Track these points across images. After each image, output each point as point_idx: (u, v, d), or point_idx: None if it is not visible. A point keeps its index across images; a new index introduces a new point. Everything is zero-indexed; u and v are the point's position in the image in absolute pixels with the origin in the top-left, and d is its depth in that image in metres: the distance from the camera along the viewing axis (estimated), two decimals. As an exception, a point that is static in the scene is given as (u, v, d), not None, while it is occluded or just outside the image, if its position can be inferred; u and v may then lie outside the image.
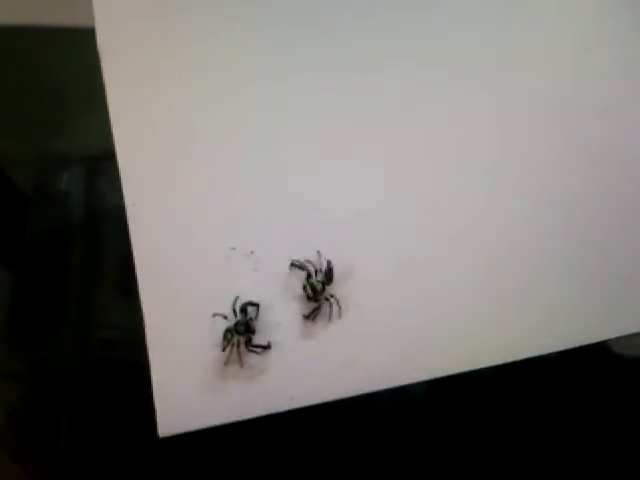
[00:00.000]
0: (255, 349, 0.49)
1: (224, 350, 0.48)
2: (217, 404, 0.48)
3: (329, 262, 0.52)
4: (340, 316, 0.51)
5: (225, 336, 0.48)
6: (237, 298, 0.49)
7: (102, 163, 0.72)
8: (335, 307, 0.51)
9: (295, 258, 0.52)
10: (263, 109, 0.58)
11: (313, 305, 0.51)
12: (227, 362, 0.48)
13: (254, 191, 0.55)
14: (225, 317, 0.49)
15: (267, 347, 0.49)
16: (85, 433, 0.63)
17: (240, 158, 0.55)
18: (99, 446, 0.63)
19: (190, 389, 0.48)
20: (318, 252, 0.52)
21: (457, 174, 0.58)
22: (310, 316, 0.50)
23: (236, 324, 0.49)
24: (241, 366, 0.48)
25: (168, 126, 0.55)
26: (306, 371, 0.49)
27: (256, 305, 0.50)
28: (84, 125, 0.70)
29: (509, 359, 0.51)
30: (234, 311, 0.49)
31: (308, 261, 0.52)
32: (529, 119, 0.60)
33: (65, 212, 0.71)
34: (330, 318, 0.51)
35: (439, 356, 0.51)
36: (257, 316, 0.50)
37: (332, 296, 0.51)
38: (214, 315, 0.48)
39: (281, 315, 0.50)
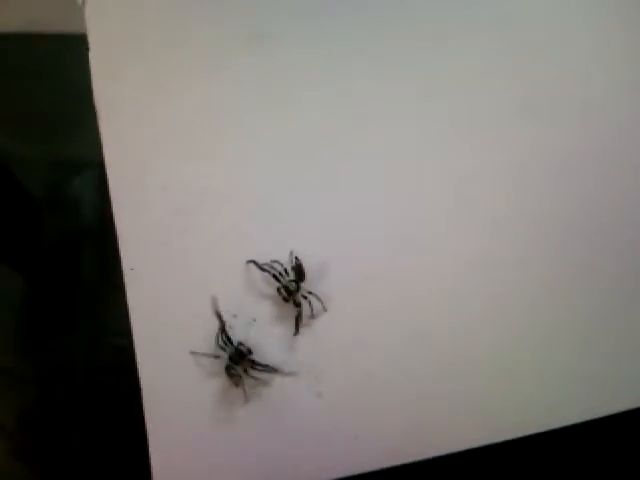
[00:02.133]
0: (262, 370, 0.48)
1: (238, 386, 0.47)
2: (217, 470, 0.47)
3: (297, 258, 0.50)
4: (326, 310, 0.50)
5: (230, 374, 0.47)
6: (219, 335, 0.48)
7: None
8: (316, 303, 0.49)
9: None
10: (263, 168, 0.56)
11: (291, 308, 0.49)
12: (247, 397, 0.47)
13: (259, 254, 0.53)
14: (217, 357, 0.48)
15: (276, 370, 0.48)
16: (91, 436, 0.64)
17: (241, 220, 0.54)
18: (104, 449, 0.63)
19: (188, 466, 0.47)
20: (291, 252, 0.50)
21: (469, 234, 0.55)
22: (298, 329, 0.49)
23: (230, 357, 0.48)
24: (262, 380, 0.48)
25: (166, 189, 0.53)
26: (314, 444, 0.48)
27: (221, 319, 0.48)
28: (96, 131, 0.70)
29: (526, 432, 0.49)
30: (221, 346, 0.48)
31: (276, 261, 0.50)
32: (541, 171, 0.57)
33: (77, 217, 0.71)
34: (313, 314, 0.50)
35: (451, 430, 0.49)
36: (224, 328, 0.49)
37: (310, 293, 0.50)
38: (195, 354, 0.47)
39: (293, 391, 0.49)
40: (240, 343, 0.48)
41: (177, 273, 0.52)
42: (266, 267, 0.49)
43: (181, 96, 0.57)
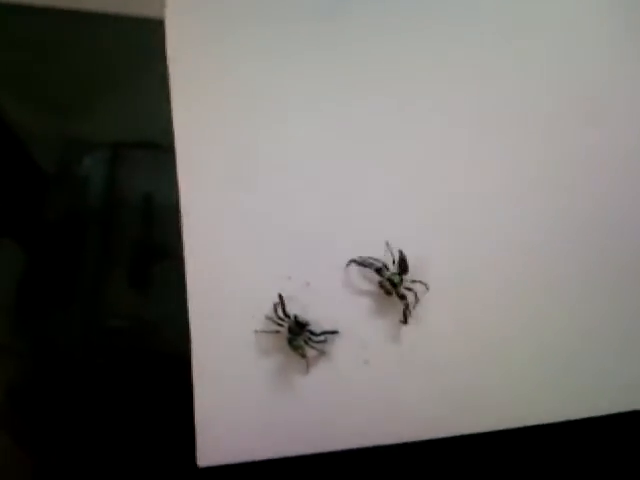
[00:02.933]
0: (320, 337, 0.48)
1: (304, 357, 0.48)
2: (262, 438, 0.47)
3: (400, 252, 0.50)
4: (428, 289, 0.49)
5: (293, 346, 0.48)
6: (275, 308, 0.49)
7: (125, 150, 0.72)
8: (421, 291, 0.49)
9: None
10: (321, 143, 0.56)
11: (394, 300, 0.48)
12: (309, 366, 0.48)
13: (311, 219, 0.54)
14: (277, 331, 0.49)
15: (335, 332, 0.49)
16: (85, 417, 0.63)
17: (298, 189, 0.55)
18: (99, 431, 0.63)
19: (234, 420, 0.48)
20: (387, 243, 0.50)
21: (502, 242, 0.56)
22: (406, 319, 0.49)
23: (289, 330, 0.48)
24: (324, 353, 0.48)
25: (229, 158, 0.54)
26: (351, 414, 0.49)
27: (281, 299, 0.49)
28: (111, 112, 0.70)
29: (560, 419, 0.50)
30: (278, 322, 0.49)
31: (373, 258, 0.50)
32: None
33: (85, 196, 0.71)
34: (417, 301, 0.49)
35: (489, 411, 0.50)
36: (284, 304, 0.49)
37: (414, 281, 0.49)
38: (258, 332, 0.47)
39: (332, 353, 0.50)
40: (296, 316, 0.49)
41: (236, 246, 0.52)
42: (367, 263, 0.50)
43: (251, 80, 0.57)
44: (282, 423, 0.48)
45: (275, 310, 0.49)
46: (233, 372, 0.49)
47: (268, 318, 0.49)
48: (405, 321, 0.49)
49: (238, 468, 0.47)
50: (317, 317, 0.50)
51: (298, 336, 0.48)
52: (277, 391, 0.49)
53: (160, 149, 0.70)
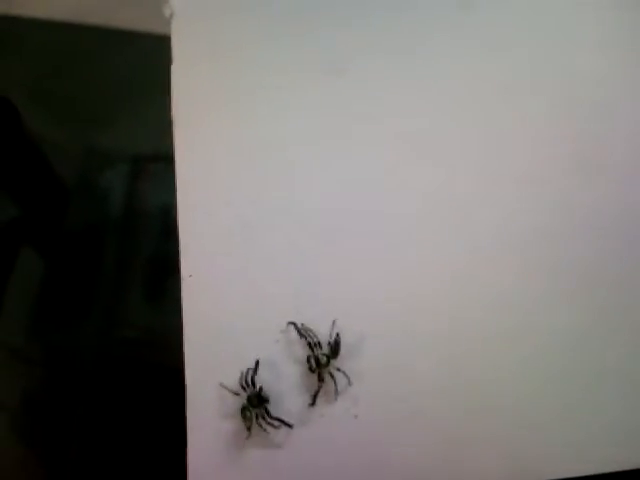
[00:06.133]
0: (273, 422, 0.48)
1: (249, 430, 0.48)
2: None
3: (337, 334, 0.50)
4: (351, 384, 0.49)
5: (244, 415, 0.47)
6: (247, 370, 0.49)
7: (145, 164, 0.74)
8: (342, 380, 0.49)
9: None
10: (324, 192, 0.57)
11: (315, 378, 0.49)
12: (249, 437, 0.48)
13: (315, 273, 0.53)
14: (237, 393, 0.49)
15: (289, 425, 0.48)
16: (97, 424, 0.65)
17: (298, 237, 0.54)
18: (105, 437, 0.64)
19: (224, 469, 0.48)
20: (334, 322, 0.51)
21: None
22: (314, 402, 0.49)
23: (248, 399, 0.48)
24: (268, 433, 0.48)
25: (230, 202, 0.55)
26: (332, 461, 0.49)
27: (256, 366, 0.49)
28: (131, 125, 0.72)
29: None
30: (243, 387, 0.49)
31: (311, 331, 0.50)
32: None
33: (104, 208, 0.72)
34: (335, 396, 0.50)
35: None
36: (256, 372, 0.49)
37: (338, 369, 0.50)
38: (221, 386, 0.48)
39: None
40: (261, 388, 0.48)
41: (234, 285, 0.52)
42: (303, 332, 0.49)
43: (253, 113, 0.57)
44: (275, 470, 0.48)
45: (246, 374, 0.49)
46: (226, 415, 0.49)
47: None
48: (313, 403, 0.49)
49: None
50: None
51: (253, 408, 0.48)
52: (269, 445, 0.49)
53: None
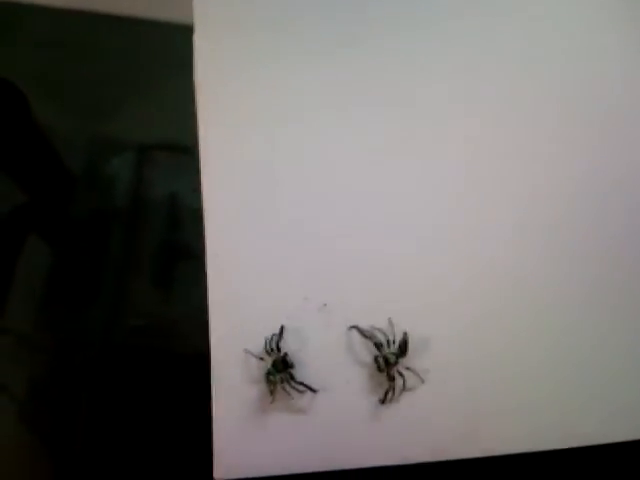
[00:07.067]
0: (298, 386, 0.48)
1: (272, 393, 0.48)
2: (277, 454, 0.48)
3: (405, 333, 0.49)
4: (423, 382, 0.49)
5: (268, 380, 0.47)
6: (272, 336, 0.49)
7: (151, 152, 0.74)
8: (412, 379, 0.49)
9: (366, 320, 0.50)
10: (346, 164, 0.57)
11: (383, 376, 0.48)
12: (273, 401, 0.48)
13: (332, 245, 0.54)
14: (261, 358, 0.49)
15: (313, 390, 0.48)
16: (103, 413, 0.64)
17: (322, 212, 0.55)
18: (111, 424, 0.64)
19: (250, 435, 0.48)
20: (389, 320, 0.50)
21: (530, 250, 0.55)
22: (385, 399, 0.49)
23: (274, 363, 0.48)
24: (292, 399, 0.48)
25: (254, 178, 0.55)
26: (367, 433, 0.49)
27: (281, 331, 0.49)
28: (139, 114, 0.72)
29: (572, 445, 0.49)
30: (268, 352, 0.49)
31: (378, 329, 0.49)
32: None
33: (111, 196, 0.72)
34: (402, 392, 0.49)
35: (501, 434, 0.49)
36: (281, 337, 0.49)
37: (408, 369, 0.48)
38: (246, 352, 0.48)
39: (350, 373, 0.50)
40: (286, 354, 0.49)
41: (258, 262, 0.52)
42: (368, 334, 0.49)
43: (276, 87, 0.58)
44: (297, 439, 0.48)
45: (271, 339, 0.49)
46: (251, 384, 0.49)
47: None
48: (383, 402, 0.49)
49: None
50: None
51: (278, 373, 0.48)
52: (293, 410, 0.49)
53: (185, 151, 0.71)
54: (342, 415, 0.48)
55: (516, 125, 0.60)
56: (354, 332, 0.50)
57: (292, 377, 0.48)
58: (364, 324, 0.50)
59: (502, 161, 0.58)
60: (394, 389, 0.48)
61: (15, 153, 0.71)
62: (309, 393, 0.47)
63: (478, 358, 0.50)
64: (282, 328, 0.49)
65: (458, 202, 0.56)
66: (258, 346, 0.49)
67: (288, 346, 0.49)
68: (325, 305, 0.50)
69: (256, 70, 0.59)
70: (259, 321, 0.49)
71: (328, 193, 0.55)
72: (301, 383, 0.47)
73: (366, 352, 0.49)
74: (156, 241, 0.72)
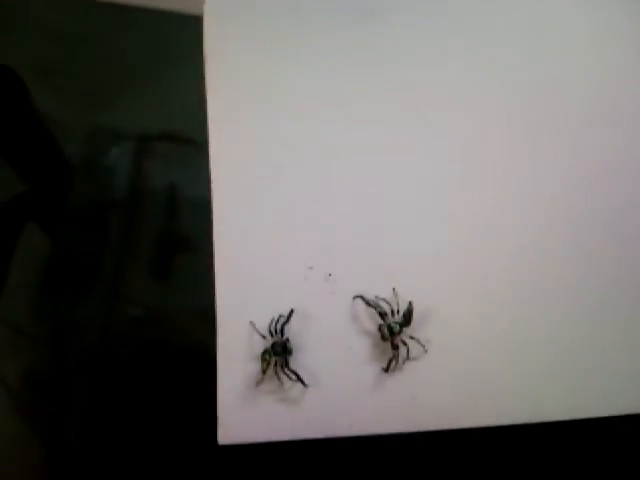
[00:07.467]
0: (290, 374, 0.48)
1: (264, 372, 0.48)
2: (280, 420, 0.48)
3: (410, 303, 0.49)
4: (426, 351, 0.49)
5: (263, 358, 0.47)
6: (279, 317, 0.49)
7: (150, 143, 0.73)
8: (417, 348, 0.49)
9: (370, 290, 0.50)
10: (356, 138, 0.57)
11: (387, 345, 0.48)
12: (259, 383, 0.48)
13: (339, 215, 0.54)
14: (264, 337, 0.48)
15: (302, 382, 0.48)
16: (99, 403, 0.63)
17: (329, 181, 0.55)
18: (107, 416, 0.63)
19: (254, 401, 0.48)
20: (394, 290, 0.50)
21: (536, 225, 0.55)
22: (389, 368, 0.48)
23: (273, 345, 0.48)
24: (281, 385, 0.48)
25: (262, 144, 0.55)
26: (369, 401, 0.48)
27: (289, 315, 0.49)
28: (139, 103, 0.71)
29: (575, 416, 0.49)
30: (271, 332, 0.49)
31: (382, 299, 0.50)
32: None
33: (109, 186, 0.72)
34: (405, 361, 0.49)
35: (505, 404, 0.49)
36: (288, 321, 0.49)
37: (412, 338, 0.49)
38: (251, 324, 0.48)
39: (351, 339, 0.50)
40: (287, 339, 0.48)
41: (265, 231, 0.52)
42: (372, 303, 0.49)
43: (286, 62, 0.58)
44: (300, 406, 0.48)
45: (277, 321, 0.49)
46: (255, 355, 0.49)
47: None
48: (387, 370, 0.49)
49: (256, 448, 0.48)
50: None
51: (275, 356, 0.48)
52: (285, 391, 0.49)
53: (187, 142, 0.71)
54: (346, 382, 0.48)
55: (532, 104, 0.60)
56: (359, 302, 0.49)
57: (287, 363, 0.47)
58: (369, 294, 0.50)
59: (514, 131, 0.58)
60: (397, 358, 0.48)
61: (14, 140, 0.71)
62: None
63: (482, 328, 0.51)
64: (291, 312, 0.49)
65: (461, 171, 0.57)
66: (263, 317, 0.49)
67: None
68: (330, 275, 0.50)
69: (269, 62, 0.59)
70: (265, 291, 0.50)
71: (333, 164, 0.55)
72: (294, 372, 0.47)
73: (371, 321, 0.49)
74: (155, 231, 0.72)
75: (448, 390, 0.49)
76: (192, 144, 0.72)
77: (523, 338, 0.51)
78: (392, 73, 0.59)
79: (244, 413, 0.48)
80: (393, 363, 0.48)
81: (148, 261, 0.71)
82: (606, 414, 0.50)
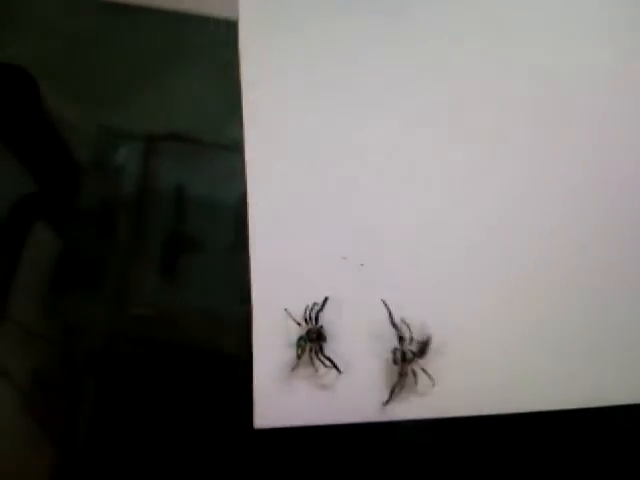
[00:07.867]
0: (324, 360, 0.49)
1: (299, 358, 0.49)
2: (315, 404, 0.50)
3: (429, 336, 0.49)
4: (434, 385, 0.49)
5: (298, 344, 0.48)
6: (313, 305, 0.50)
7: (159, 143, 0.73)
8: (423, 380, 0.49)
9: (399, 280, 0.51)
10: (390, 131, 0.58)
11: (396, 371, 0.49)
12: (295, 368, 0.49)
13: (371, 209, 0.55)
14: (299, 323, 0.50)
15: (336, 368, 0.49)
16: (107, 403, 0.63)
17: (362, 177, 0.56)
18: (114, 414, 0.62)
19: (290, 386, 0.49)
20: (402, 320, 0.50)
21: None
22: (390, 399, 0.48)
23: (308, 332, 0.49)
24: (316, 371, 0.49)
25: (296, 142, 0.57)
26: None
27: (324, 302, 0.50)
28: (147, 104, 0.72)
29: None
30: (306, 319, 0.50)
31: (405, 324, 0.50)
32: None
33: (117, 186, 0.72)
34: (412, 388, 0.49)
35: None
36: (322, 309, 0.50)
37: (423, 370, 0.49)
38: (286, 311, 0.49)
39: (382, 327, 0.51)
40: (322, 326, 0.50)
41: (301, 223, 0.54)
42: (397, 324, 0.49)
43: (320, 61, 0.60)
44: (333, 392, 0.50)
45: (311, 308, 0.50)
46: (290, 342, 0.50)
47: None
48: (388, 402, 0.50)
49: (291, 432, 0.49)
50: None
51: (309, 342, 0.49)
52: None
53: (194, 142, 0.72)
54: (377, 369, 0.50)
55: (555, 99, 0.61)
56: (388, 291, 0.50)
57: (322, 349, 0.49)
58: (400, 286, 0.51)
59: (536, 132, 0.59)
60: (402, 385, 0.48)
61: (24, 139, 0.71)
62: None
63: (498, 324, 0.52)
64: (325, 299, 0.50)
65: (487, 178, 0.57)
66: (298, 304, 0.50)
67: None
68: (362, 265, 0.52)
69: (301, 58, 0.61)
70: (300, 280, 0.51)
71: (369, 161, 0.57)
72: (329, 358, 0.48)
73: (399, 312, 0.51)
74: (164, 231, 0.72)
75: (479, 376, 0.51)
76: (199, 144, 0.73)
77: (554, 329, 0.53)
78: (429, 73, 0.61)
79: (279, 398, 0.49)
80: (397, 390, 0.48)
81: (158, 260, 0.71)
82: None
